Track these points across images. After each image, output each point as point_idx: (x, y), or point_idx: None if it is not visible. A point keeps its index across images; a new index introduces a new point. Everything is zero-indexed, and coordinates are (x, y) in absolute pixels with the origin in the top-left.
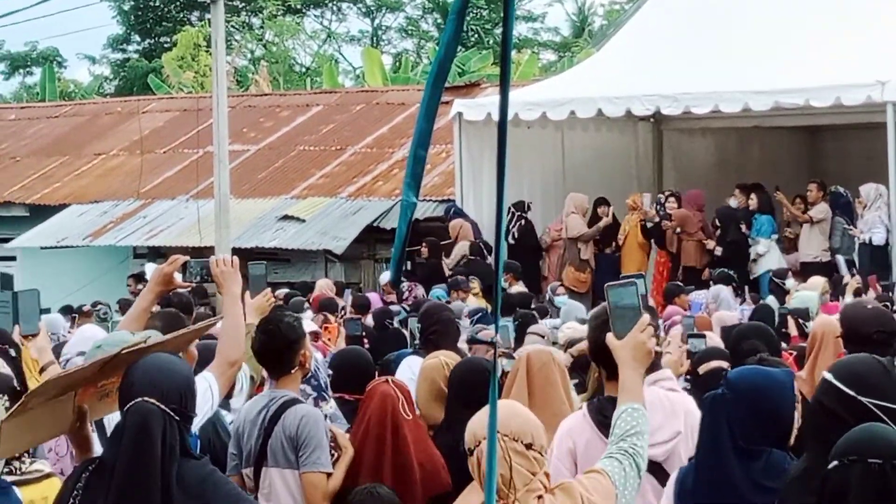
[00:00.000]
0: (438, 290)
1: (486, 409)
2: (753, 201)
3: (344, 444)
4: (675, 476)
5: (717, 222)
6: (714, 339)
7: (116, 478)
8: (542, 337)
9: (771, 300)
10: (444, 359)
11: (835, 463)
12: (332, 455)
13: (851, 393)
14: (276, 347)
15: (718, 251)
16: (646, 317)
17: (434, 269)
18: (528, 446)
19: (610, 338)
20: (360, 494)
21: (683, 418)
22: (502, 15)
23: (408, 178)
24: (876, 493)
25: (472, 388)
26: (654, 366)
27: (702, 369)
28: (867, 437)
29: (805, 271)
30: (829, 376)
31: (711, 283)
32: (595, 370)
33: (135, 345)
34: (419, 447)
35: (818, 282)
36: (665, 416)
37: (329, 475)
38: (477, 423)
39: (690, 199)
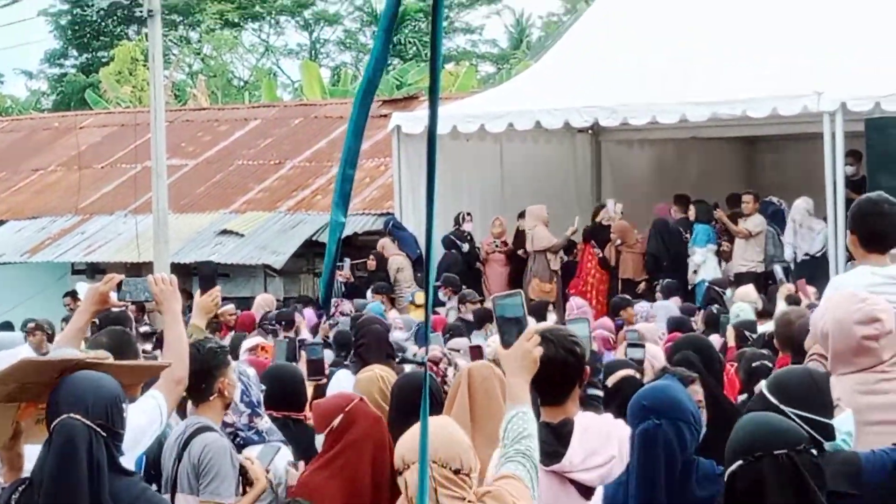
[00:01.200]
0: (374, 304)
1: (414, 431)
2: (692, 212)
3: (257, 476)
4: (603, 493)
5: (657, 233)
6: (654, 350)
7: (43, 496)
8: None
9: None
10: (380, 372)
11: (739, 462)
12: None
13: (775, 402)
14: (194, 372)
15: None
16: (531, 327)
17: (381, 280)
18: (457, 472)
19: (497, 347)
20: None
21: (617, 443)
22: (430, 28)
23: (336, 197)
24: (790, 482)
25: (413, 403)
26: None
27: (610, 381)
28: (766, 431)
29: (739, 281)
30: (762, 387)
31: (659, 294)
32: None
33: (95, 358)
34: None
35: (748, 291)
36: (600, 441)
37: None
38: (405, 446)
39: (659, 213)
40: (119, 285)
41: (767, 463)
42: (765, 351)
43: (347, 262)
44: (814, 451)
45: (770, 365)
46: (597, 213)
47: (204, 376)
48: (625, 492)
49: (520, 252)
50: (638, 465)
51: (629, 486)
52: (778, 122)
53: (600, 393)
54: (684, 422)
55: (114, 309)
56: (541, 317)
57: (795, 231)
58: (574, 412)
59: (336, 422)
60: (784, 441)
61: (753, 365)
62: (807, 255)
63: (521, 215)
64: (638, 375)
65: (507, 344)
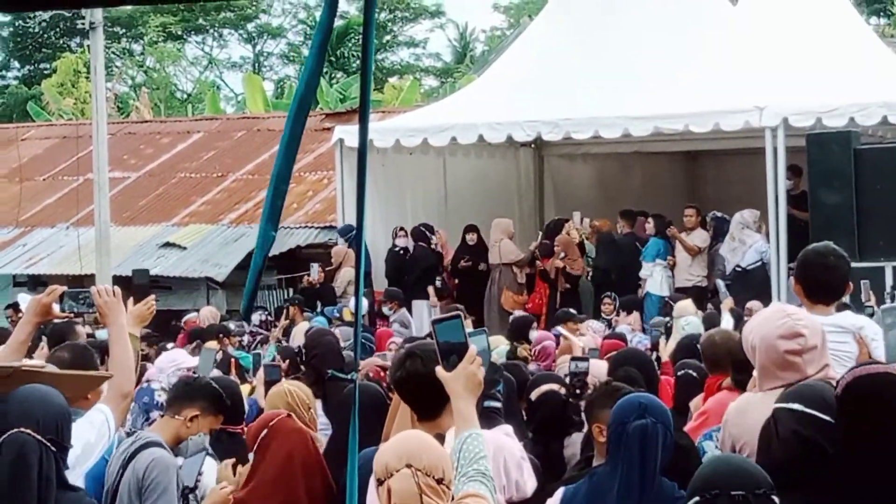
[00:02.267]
0: (322, 317)
1: (398, 440)
2: (650, 225)
3: (212, 499)
4: (562, 494)
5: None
6: (598, 366)
7: None
8: None
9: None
10: (288, 386)
11: (696, 498)
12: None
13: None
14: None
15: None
16: (473, 348)
17: (327, 292)
18: (440, 481)
19: (440, 371)
20: None
21: (492, 454)
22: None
23: (267, 211)
24: None
25: (363, 416)
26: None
27: (533, 395)
28: (727, 470)
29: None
30: (798, 406)
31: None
32: None
33: (31, 366)
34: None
35: (686, 305)
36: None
37: None
38: (390, 454)
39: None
40: (61, 297)
41: (723, 502)
42: (696, 361)
43: (315, 267)
44: (774, 498)
45: (694, 374)
46: (557, 227)
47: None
48: (582, 496)
49: (481, 266)
50: (613, 461)
51: (618, 480)
52: (720, 136)
53: (498, 405)
54: (671, 434)
55: (56, 320)
56: (522, 335)
57: (729, 244)
58: (449, 426)
59: (261, 437)
60: (743, 482)
61: (679, 374)
62: (738, 267)
63: (469, 229)
64: (563, 390)
65: (449, 367)
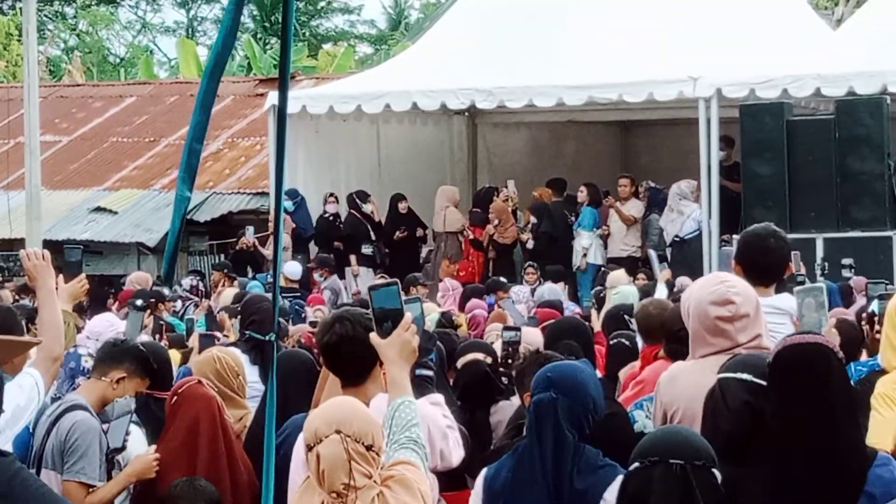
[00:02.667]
0: (255, 281)
1: (328, 405)
2: (584, 194)
3: (133, 467)
4: (483, 475)
5: (532, 216)
6: (532, 334)
7: None
8: None
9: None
10: (217, 352)
11: (636, 464)
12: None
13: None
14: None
15: (530, 244)
16: (408, 316)
17: (255, 258)
18: (369, 448)
19: (374, 337)
20: (179, 486)
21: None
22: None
23: (182, 171)
24: (676, 492)
25: (290, 382)
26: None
27: (460, 362)
28: (669, 439)
29: (618, 266)
30: (747, 376)
31: (541, 279)
32: None
33: None
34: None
35: (620, 276)
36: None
37: (91, 487)
38: (320, 420)
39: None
40: None
41: (659, 470)
42: (629, 332)
43: (250, 229)
44: (714, 471)
45: (626, 343)
46: (488, 195)
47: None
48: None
49: (418, 233)
50: (529, 436)
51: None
52: (654, 106)
53: (430, 373)
54: (581, 405)
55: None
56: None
57: (668, 215)
58: (374, 393)
59: (172, 402)
60: (683, 452)
61: (611, 343)
62: (677, 237)
63: (399, 198)
64: (489, 360)
65: (384, 334)
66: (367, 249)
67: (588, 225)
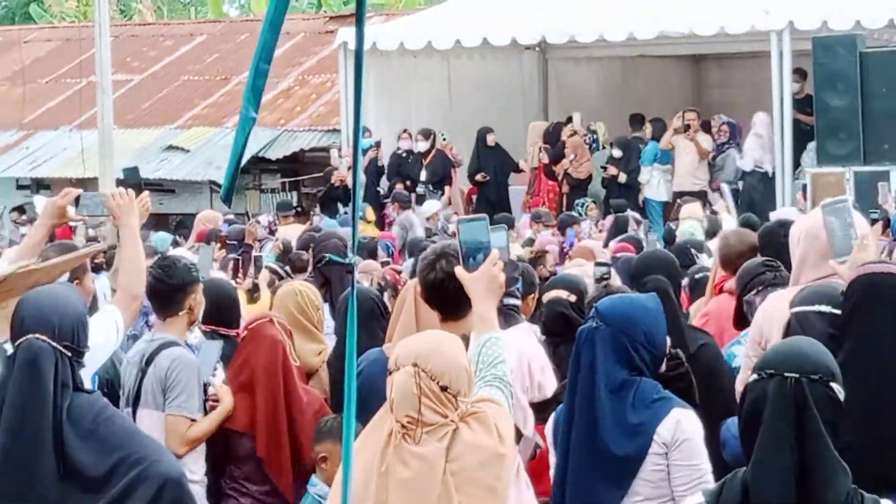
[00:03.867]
0: (329, 220)
1: (420, 336)
2: (648, 129)
3: (221, 395)
4: (553, 417)
5: (619, 151)
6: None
7: (6, 415)
8: None
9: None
10: (298, 286)
11: (754, 377)
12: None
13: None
14: (169, 287)
15: (623, 178)
16: (495, 252)
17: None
18: (444, 388)
19: (460, 271)
20: (329, 423)
21: (517, 355)
22: None
23: (248, 91)
24: (790, 406)
25: (361, 318)
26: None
27: (545, 297)
28: (787, 352)
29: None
30: (826, 308)
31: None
32: None
33: (21, 269)
34: (306, 391)
35: (695, 209)
36: None
37: (193, 421)
38: (402, 349)
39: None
40: (77, 200)
41: (775, 382)
42: (706, 264)
43: (343, 162)
44: (833, 385)
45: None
46: (556, 130)
47: (175, 291)
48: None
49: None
50: (574, 364)
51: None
52: (725, 40)
53: (517, 302)
54: (629, 336)
55: (71, 223)
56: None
57: (763, 145)
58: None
59: (242, 337)
60: (798, 366)
61: (696, 277)
62: (755, 168)
63: (487, 130)
64: (572, 297)
65: (471, 268)
66: (419, 189)
67: (649, 160)
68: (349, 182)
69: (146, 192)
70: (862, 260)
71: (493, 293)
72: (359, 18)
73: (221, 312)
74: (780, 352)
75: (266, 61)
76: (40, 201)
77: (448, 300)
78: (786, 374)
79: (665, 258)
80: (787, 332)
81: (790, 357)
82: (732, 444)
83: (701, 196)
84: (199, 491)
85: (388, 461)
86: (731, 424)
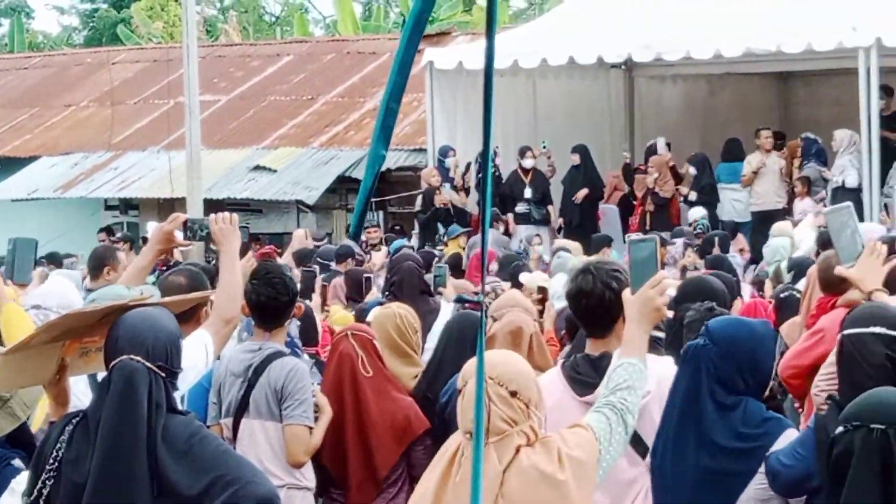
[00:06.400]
0: (401, 240)
1: (487, 354)
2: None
3: (322, 404)
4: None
5: (693, 169)
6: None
7: (102, 435)
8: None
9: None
10: (398, 309)
11: (840, 429)
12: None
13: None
14: (282, 303)
15: (693, 196)
16: (660, 274)
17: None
18: (513, 394)
19: (626, 292)
20: None
21: (656, 381)
22: None
23: (377, 130)
24: (877, 456)
25: (461, 342)
26: None
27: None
28: (873, 403)
29: (763, 220)
30: (881, 330)
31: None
32: None
33: (139, 299)
34: (383, 400)
35: (785, 227)
36: None
37: (311, 429)
38: (468, 367)
39: None
40: (184, 225)
41: (861, 435)
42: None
43: (447, 186)
44: None
45: (798, 295)
46: (651, 150)
47: (288, 306)
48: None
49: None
50: (680, 380)
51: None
52: (812, 57)
53: (661, 335)
54: (735, 359)
55: (180, 248)
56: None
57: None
58: (616, 347)
59: (328, 351)
60: (883, 417)
61: (782, 296)
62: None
63: (575, 149)
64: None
65: (633, 289)
66: (521, 207)
67: (726, 179)
68: (455, 202)
69: (250, 253)
70: (875, 265)
71: (646, 317)
72: (489, 33)
73: (309, 332)
74: (863, 403)
75: (396, 101)
76: (152, 227)
77: (583, 316)
78: (872, 426)
79: (707, 286)
80: (841, 355)
81: (874, 408)
82: (786, 475)
83: (780, 215)
84: (309, 498)
85: (453, 470)
86: (782, 454)
